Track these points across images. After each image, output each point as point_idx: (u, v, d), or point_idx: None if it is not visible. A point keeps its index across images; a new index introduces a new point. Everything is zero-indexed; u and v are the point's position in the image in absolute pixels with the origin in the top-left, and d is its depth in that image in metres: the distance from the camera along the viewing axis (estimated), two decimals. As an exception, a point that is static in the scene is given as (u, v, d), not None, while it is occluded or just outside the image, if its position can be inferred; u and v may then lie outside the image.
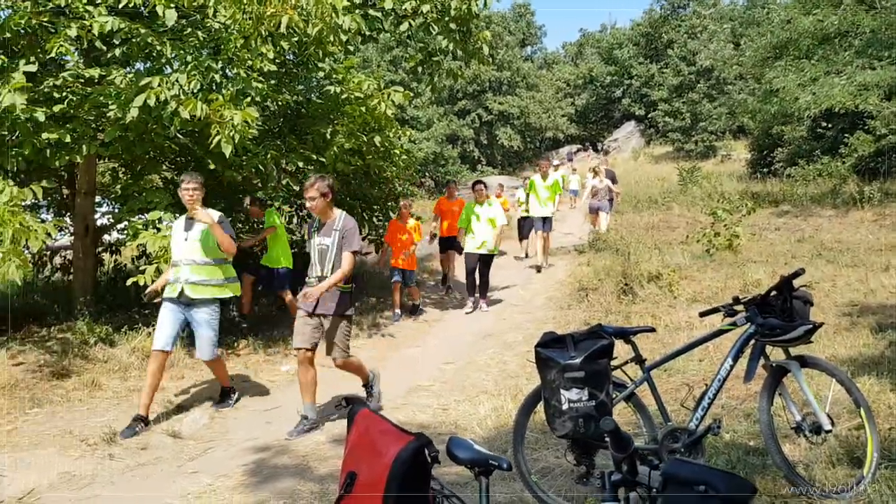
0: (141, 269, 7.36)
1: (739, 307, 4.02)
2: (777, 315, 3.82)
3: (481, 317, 9.90)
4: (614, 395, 3.77)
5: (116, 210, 9.23)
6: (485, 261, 10.18)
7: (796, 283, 3.90)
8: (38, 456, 5.10)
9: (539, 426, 4.78)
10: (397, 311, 10.09)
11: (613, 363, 3.70)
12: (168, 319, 5.89)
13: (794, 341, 3.81)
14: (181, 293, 5.85)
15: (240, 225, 11.07)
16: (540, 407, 3.83)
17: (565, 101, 44.33)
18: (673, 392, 5.52)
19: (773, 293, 3.90)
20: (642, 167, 30.36)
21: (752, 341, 3.92)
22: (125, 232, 9.09)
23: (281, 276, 8.95)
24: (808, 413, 3.86)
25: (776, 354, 4.03)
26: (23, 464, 4.95)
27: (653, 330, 4.51)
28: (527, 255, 14.66)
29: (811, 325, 3.75)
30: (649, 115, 40.42)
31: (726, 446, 4.52)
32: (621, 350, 3.93)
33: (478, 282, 10.29)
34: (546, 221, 12.83)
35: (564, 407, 3.46)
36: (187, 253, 5.94)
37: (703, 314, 4.29)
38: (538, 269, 12.91)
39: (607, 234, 14.27)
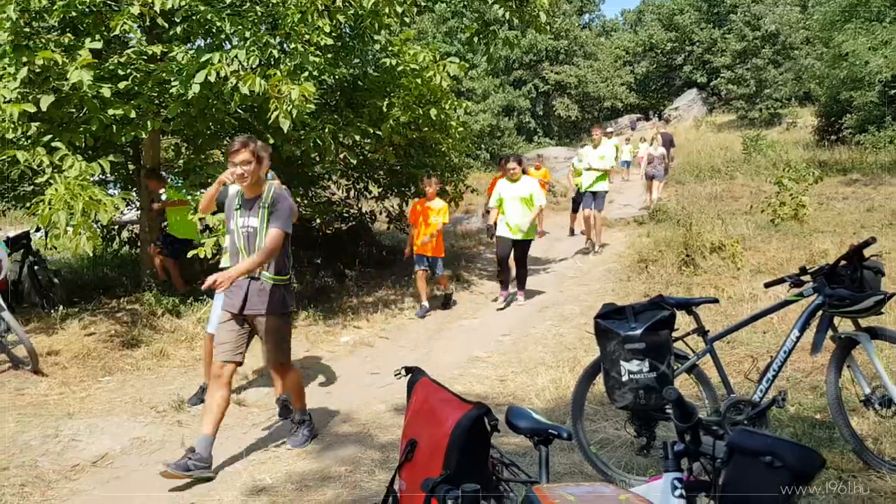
0: (201, 241, 7.53)
1: (806, 277, 3.92)
2: (846, 285, 3.71)
3: (538, 290, 9.83)
4: (676, 367, 3.73)
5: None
6: (521, 247, 8.84)
7: (867, 252, 3.77)
8: (110, 422, 5.31)
9: (598, 398, 4.77)
10: (424, 303, 8.83)
11: (675, 334, 3.66)
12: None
13: (864, 312, 3.69)
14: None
15: (297, 199, 11.23)
16: (599, 378, 3.82)
17: (624, 69, 43.39)
18: (736, 364, 5.42)
19: (843, 263, 3.78)
20: (704, 136, 29.65)
21: (820, 312, 3.82)
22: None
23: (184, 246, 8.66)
24: (877, 386, 3.76)
25: (844, 326, 3.92)
26: (96, 429, 5.16)
27: (716, 301, 4.43)
28: (572, 232, 13.91)
29: (882, 296, 3.62)
30: (711, 83, 39.35)
31: (791, 419, 4.44)
32: (683, 321, 3.88)
33: (513, 272, 9.10)
34: (596, 197, 11.34)
35: (624, 378, 3.44)
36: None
37: (768, 284, 4.20)
38: (588, 252, 11.62)
39: (660, 203, 14.00)
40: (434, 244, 8.80)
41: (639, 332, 3.42)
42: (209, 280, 4.15)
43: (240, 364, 4.61)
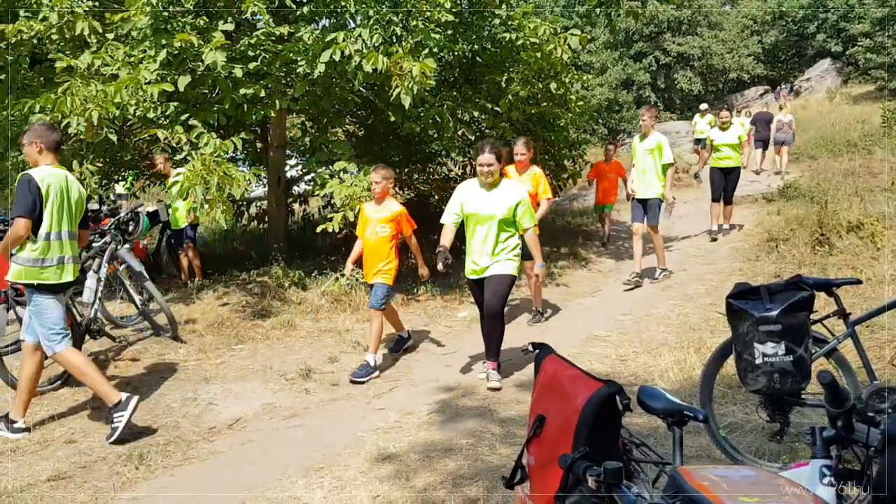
0: (328, 217, 7.75)
1: (964, 258, 3.62)
2: None
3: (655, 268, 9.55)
4: (814, 351, 3.54)
5: (305, 162, 9.75)
6: (490, 287, 5.45)
7: None
8: (243, 388, 5.58)
9: (726, 380, 4.61)
10: (371, 352, 5.89)
11: (814, 317, 3.47)
12: None
13: None
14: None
15: (416, 175, 11.37)
16: (729, 361, 3.68)
17: (751, 39, 41.25)
18: (876, 350, 5.12)
19: None
20: (839, 108, 27.80)
21: (979, 296, 3.53)
22: (312, 183, 9.63)
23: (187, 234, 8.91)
24: None
25: None
26: (231, 394, 5.44)
27: (858, 282, 4.18)
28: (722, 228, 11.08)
29: None
30: (847, 52, 36.82)
31: (940, 410, 4.14)
32: (820, 303, 3.67)
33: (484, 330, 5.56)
34: (649, 208, 8.35)
35: (758, 361, 3.31)
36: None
37: (917, 266, 3.92)
38: (632, 284, 8.44)
39: (788, 179, 13.41)
40: (384, 268, 5.96)
41: (775, 313, 3.28)
42: None
43: None
